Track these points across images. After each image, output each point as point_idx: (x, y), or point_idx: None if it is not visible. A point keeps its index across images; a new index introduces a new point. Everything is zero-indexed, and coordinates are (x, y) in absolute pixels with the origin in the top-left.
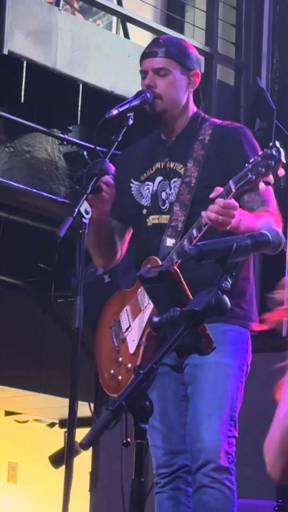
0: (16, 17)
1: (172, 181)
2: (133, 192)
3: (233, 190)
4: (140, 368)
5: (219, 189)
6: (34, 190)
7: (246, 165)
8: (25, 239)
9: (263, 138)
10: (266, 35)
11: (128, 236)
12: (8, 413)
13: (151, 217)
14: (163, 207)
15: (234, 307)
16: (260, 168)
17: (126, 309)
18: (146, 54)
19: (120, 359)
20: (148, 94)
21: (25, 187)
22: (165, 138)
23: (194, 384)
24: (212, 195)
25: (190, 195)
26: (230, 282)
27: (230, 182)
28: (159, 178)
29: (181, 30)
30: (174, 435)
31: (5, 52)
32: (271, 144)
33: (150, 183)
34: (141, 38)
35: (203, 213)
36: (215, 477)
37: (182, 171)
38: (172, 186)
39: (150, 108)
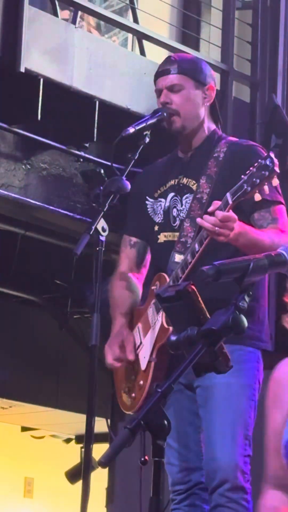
0: (33, 35)
1: (184, 197)
2: (148, 210)
3: (230, 202)
4: (157, 386)
5: (217, 203)
6: (51, 207)
7: (242, 176)
8: (41, 255)
9: (279, 155)
10: (282, 52)
11: (149, 255)
12: (24, 429)
13: (162, 234)
14: (173, 224)
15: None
16: (255, 179)
17: (138, 327)
18: (159, 73)
19: (133, 376)
20: (164, 113)
21: (41, 204)
22: (181, 155)
23: (205, 405)
24: (210, 209)
25: (201, 212)
26: (247, 301)
27: (227, 194)
28: (171, 194)
29: (196, 47)
30: (189, 452)
31: (22, 70)
32: (265, 155)
33: (163, 200)
34: (157, 55)
35: (198, 219)
36: (231, 497)
37: (194, 187)
38: (183, 202)
39: (168, 125)
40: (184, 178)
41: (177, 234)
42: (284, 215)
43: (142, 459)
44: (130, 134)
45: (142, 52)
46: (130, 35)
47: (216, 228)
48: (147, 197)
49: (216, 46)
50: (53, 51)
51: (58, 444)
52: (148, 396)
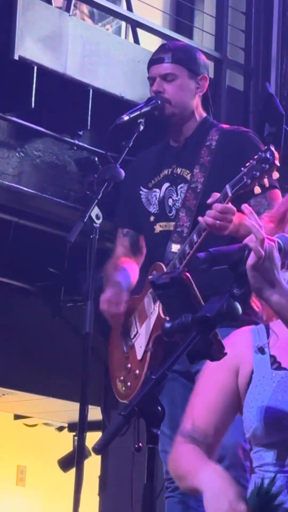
0: (27, 22)
1: (178, 187)
2: (142, 200)
3: (230, 194)
4: (152, 373)
5: (216, 195)
6: (45, 195)
7: (242, 169)
8: (35, 243)
9: (273, 143)
10: (275, 41)
11: (143, 244)
12: (17, 417)
13: (158, 224)
14: (169, 214)
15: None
16: (254, 172)
17: (134, 316)
18: (153, 61)
19: (129, 365)
20: (158, 101)
21: (35, 191)
22: (174, 143)
23: None
24: (209, 201)
25: (196, 201)
26: (241, 288)
27: (227, 186)
28: (166, 185)
29: (190, 35)
30: None
31: (16, 57)
32: (265, 147)
33: (157, 190)
34: (151, 43)
35: (199, 218)
36: (231, 475)
37: (188, 177)
38: (178, 192)
39: (159, 112)
40: (178, 168)
41: (173, 224)
42: (280, 200)
43: (136, 446)
44: (124, 122)
45: (136, 40)
46: (123, 23)
47: (217, 222)
48: (141, 187)
49: (209, 34)
50: (47, 39)
51: (51, 432)
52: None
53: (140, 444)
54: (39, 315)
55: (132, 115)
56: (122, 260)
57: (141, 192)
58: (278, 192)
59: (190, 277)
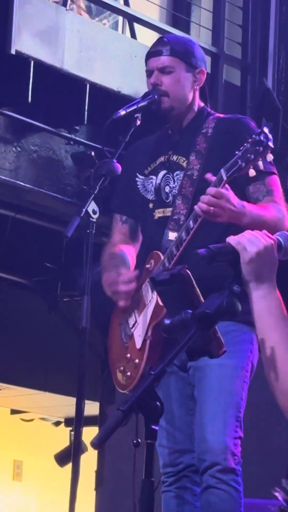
0: (24, 17)
1: (175, 174)
2: (138, 187)
3: (224, 178)
4: (151, 369)
5: (211, 177)
6: (41, 190)
7: (236, 152)
8: (31, 238)
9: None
10: (273, 36)
11: (140, 231)
12: (13, 412)
13: (157, 211)
14: (167, 201)
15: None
16: (249, 155)
17: (133, 305)
18: (151, 54)
19: (128, 355)
20: (155, 95)
21: (32, 186)
22: (171, 132)
23: (198, 386)
24: (206, 176)
25: (192, 188)
26: (241, 285)
27: (222, 170)
28: (162, 172)
29: (187, 30)
30: (180, 434)
31: (13, 52)
32: (259, 130)
33: (154, 177)
34: (148, 38)
35: (195, 207)
36: (221, 479)
37: (184, 164)
38: (175, 179)
39: (157, 106)
40: (174, 155)
41: (170, 210)
42: (279, 186)
43: (135, 441)
44: (121, 117)
45: (133, 35)
46: (120, 18)
47: (211, 208)
48: (137, 174)
49: (207, 29)
50: (43, 33)
51: (48, 427)
52: (144, 375)
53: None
54: (35, 310)
55: (128, 110)
56: (121, 247)
57: (137, 179)
58: (276, 178)
59: (190, 274)
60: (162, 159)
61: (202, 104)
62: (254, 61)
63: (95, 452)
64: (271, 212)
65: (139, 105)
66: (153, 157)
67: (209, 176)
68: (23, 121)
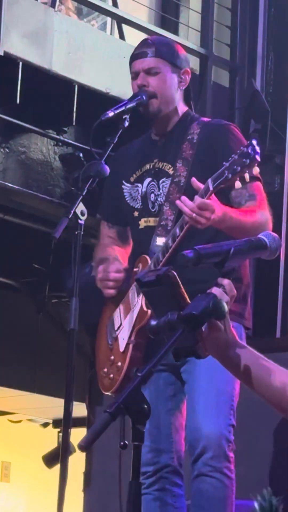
0: (12, 18)
1: (160, 181)
2: (125, 195)
3: (211, 188)
4: (138, 370)
5: (196, 183)
6: (29, 191)
7: (224, 163)
8: (20, 239)
9: (258, 140)
10: (261, 37)
11: (129, 235)
12: (1, 413)
13: (142, 220)
14: (152, 210)
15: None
16: (235, 167)
17: (120, 308)
18: (136, 55)
19: (112, 357)
20: (144, 97)
21: (20, 187)
22: (156, 137)
23: (189, 377)
24: (193, 180)
25: (179, 195)
26: None
27: (209, 180)
28: (148, 180)
29: (175, 32)
30: (159, 433)
31: (1, 53)
32: (248, 142)
33: (139, 185)
34: (136, 39)
35: (177, 201)
36: (214, 466)
37: (170, 171)
38: (160, 186)
39: (144, 109)
40: (160, 162)
41: (156, 219)
42: (261, 191)
43: (122, 443)
44: (109, 118)
45: (122, 36)
46: (109, 19)
47: (194, 214)
48: (123, 182)
49: (195, 30)
50: (32, 34)
51: (36, 429)
52: (126, 378)
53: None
54: (24, 311)
55: (117, 111)
56: (111, 247)
57: (123, 186)
58: (259, 184)
59: (176, 275)
60: (147, 166)
61: (186, 108)
62: (242, 62)
63: (83, 453)
64: (253, 217)
65: (127, 106)
66: (139, 164)
67: (195, 181)
68: (11, 122)
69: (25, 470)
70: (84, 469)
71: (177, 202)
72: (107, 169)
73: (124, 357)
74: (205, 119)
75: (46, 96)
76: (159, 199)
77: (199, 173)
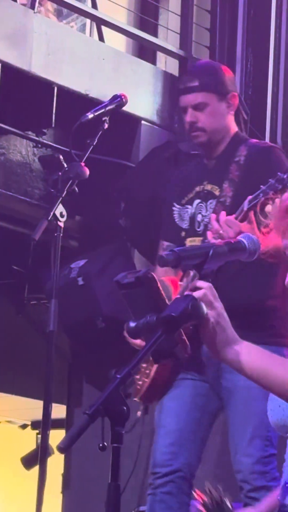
0: None
1: (208, 203)
2: (174, 216)
3: (245, 209)
4: (116, 372)
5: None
6: (8, 192)
7: (261, 186)
8: None
9: None
10: (240, 39)
11: None
12: None
13: (188, 239)
14: (198, 230)
15: (266, 326)
16: (269, 190)
17: None
18: (182, 91)
19: (144, 364)
20: (123, 99)
21: None
22: (206, 161)
23: (227, 409)
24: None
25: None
26: None
27: (245, 201)
28: (197, 201)
29: (155, 34)
30: (180, 437)
31: None
32: (282, 158)
33: (190, 206)
34: (116, 41)
35: (212, 214)
36: (254, 497)
37: (217, 192)
38: (208, 207)
39: (193, 138)
40: (208, 185)
41: (201, 238)
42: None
43: (101, 445)
44: (89, 120)
45: (101, 38)
46: (88, 21)
47: (220, 231)
48: (174, 204)
49: (174, 32)
50: (11, 36)
51: (14, 430)
52: (153, 385)
53: (105, 443)
54: (2, 313)
55: (96, 113)
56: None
57: (173, 208)
58: None
59: (155, 276)
60: (197, 188)
61: (236, 130)
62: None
63: (62, 455)
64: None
65: (107, 108)
66: (190, 188)
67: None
68: None
69: (3, 472)
70: (63, 470)
71: (212, 214)
72: (87, 171)
73: (152, 364)
74: (253, 140)
75: (25, 97)
76: (205, 219)
77: (244, 193)
